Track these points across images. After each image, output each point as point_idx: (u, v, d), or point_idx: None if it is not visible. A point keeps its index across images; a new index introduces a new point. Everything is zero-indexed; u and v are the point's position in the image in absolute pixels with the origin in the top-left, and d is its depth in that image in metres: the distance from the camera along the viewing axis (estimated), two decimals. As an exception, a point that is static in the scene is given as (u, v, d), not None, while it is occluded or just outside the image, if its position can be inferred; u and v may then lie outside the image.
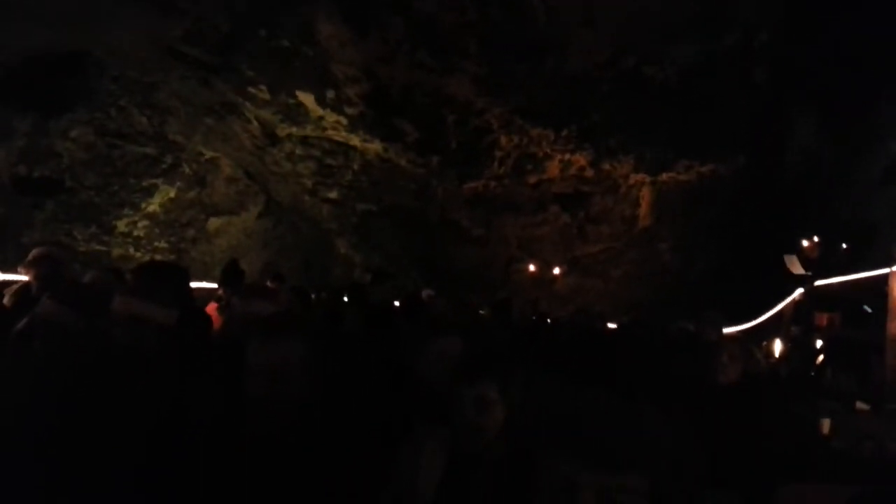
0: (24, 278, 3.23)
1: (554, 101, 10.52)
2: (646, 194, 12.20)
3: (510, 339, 4.50)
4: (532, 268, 12.92)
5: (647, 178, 11.85)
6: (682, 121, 10.57)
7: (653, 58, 10.25)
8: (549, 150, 11.32)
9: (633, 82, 10.29)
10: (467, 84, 10.28)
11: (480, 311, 5.99)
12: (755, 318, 9.04)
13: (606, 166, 11.60)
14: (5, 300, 3.14)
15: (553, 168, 11.65)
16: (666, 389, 3.31)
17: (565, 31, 9.53)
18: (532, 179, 11.85)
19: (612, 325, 6.16)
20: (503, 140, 11.15)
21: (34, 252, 3.28)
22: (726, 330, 5.06)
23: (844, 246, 8.34)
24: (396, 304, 5.49)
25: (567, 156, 11.42)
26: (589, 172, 11.74)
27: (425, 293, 5.51)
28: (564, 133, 10.99)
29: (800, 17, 9.69)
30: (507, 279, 12.88)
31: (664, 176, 11.75)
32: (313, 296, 5.20)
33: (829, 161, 11.01)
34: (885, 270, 4.68)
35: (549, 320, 6.17)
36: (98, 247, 10.79)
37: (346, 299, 5.06)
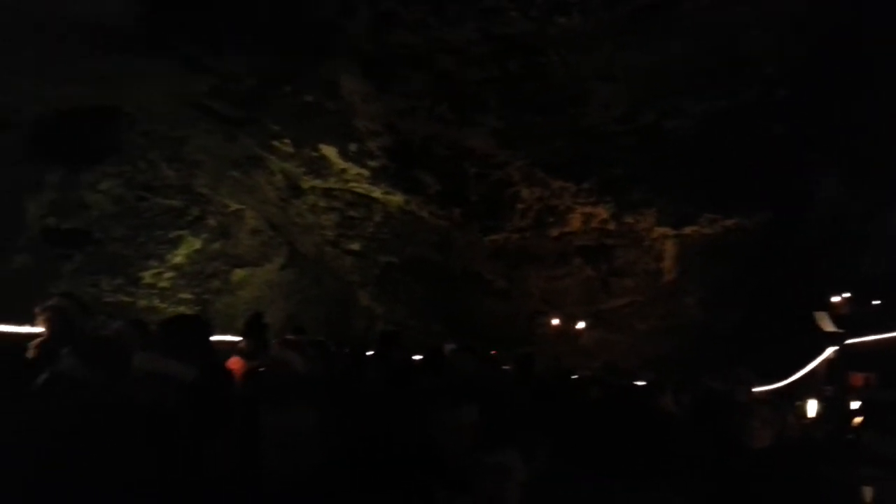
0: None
1: (574, 153, 10.57)
2: (669, 248, 12.09)
3: (534, 398, 4.39)
4: (555, 321, 12.76)
5: (671, 232, 11.75)
6: (704, 174, 10.53)
7: (672, 112, 10.29)
8: (570, 203, 11.31)
9: (653, 136, 10.32)
10: (487, 137, 10.38)
11: (504, 367, 5.89)
12: (785, 376, 8.79)
13: (629, 219, 11.54)
14: (28, 353, 3.15)
15: (575, 221, 11.62)
16: (694, 458, 3.18)
17: (584, 85, 9.63)
18: (554, 232, 11.81)
19: (639, 383, 6.00)
20: (524, 192, 11.17)
21: (43, 305, 3.29)
22: (756, 389, 4.90)
23: (875, 302, 8.13)
24: (418, 357, 5.42)
25: (589, 208, 11.40)
26: (611, 225, 11.69)
27: (447, 347, 5.42)
28: (586, 186, 10.99)
29: (820, 73, 9.71)
30: (531, 332, 12.72)
31: (688, 229, 11.65)
32: (333, 349, 5.14)
33: (855, 215, 10.87)
34: (922, 328, 4.53)
35: (573, 377, 6.03)
36: (124, 298, 10.90)
37: (368, 353, 5.01)
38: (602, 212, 11.45)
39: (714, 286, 12.30)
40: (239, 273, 12.39)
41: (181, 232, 11.37)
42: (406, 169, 10.68)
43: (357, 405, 3.27)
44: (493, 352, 7.11)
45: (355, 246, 12.43)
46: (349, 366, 4.68)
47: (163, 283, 11.40)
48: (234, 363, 4.15)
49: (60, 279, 10.17)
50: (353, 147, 10.40)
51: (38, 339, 3.23)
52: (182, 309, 10.95)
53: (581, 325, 12.79)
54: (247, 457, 1.63)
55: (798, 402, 6.33)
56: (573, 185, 11.03)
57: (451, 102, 9.78)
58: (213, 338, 3.45)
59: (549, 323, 12.78)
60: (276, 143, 10.39)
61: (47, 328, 3.21)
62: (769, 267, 11.55)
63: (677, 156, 10.38)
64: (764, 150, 10.52)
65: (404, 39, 8.62)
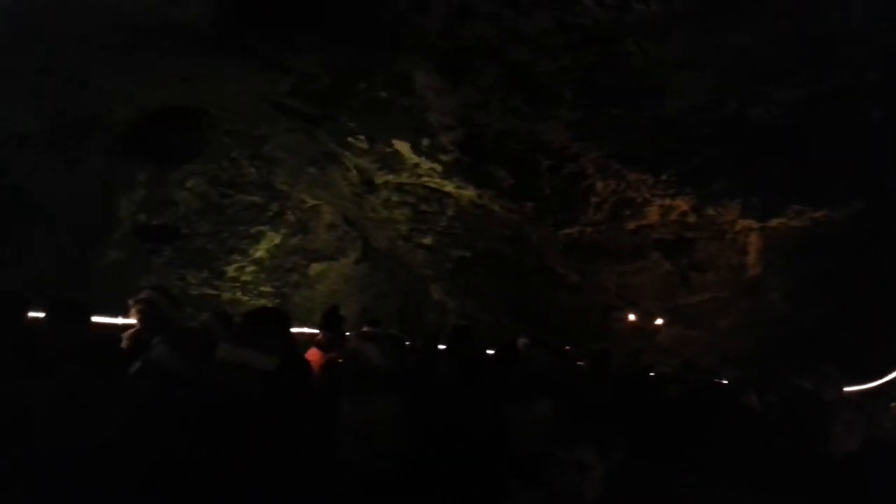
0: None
1: (652, 144, 10.25)
2: (754, 241, 11.59)
3: (610, 395, 4.30)
4: (632, 317, 12.48)
5: (755, 224, 11.25)
6: (791, 164, 10.02)
7: (756, 99, 9.81)
8: (648, 195, 10.99)
9: (736, 124, 9.88)
10: (561, 129, 10.20)
11: (578, 362, 5.81)
12: (877, 377, 8.31)
13: (710, 212, 11.12)
14: (123, 343, 3.34)
15: (653, 213, 11.29)
16: (777, 457, 3.04)
17: (663, 73, 9.31)
18: (631, 225, 11.52)
19: (722, 381, 5.79)
20: (599, 185, 10.94)
21: (136, 298, 3.50)
22: (846, 389, 4.64)
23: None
24: (490, 352, 5.42)
25: (667, 201, 11.05)
26: (692, 218, 11.29)
27: (520, 342, 5.39)
28: (664, 177, 10.65)
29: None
30: (605, 328, 12.48)
31: (774, 222, 11.12)
32: (407, 343, 5.20)
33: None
34: None
35: (651, 374, 5.88)
36: (209, 291, 11.40)
37: (441, 347, 5.04)
38: (682, 204, 11.08)
39: (800, 281, 11.75)
40: (316, 267, 12.74)
41: (262, 227, 11.79)
42: (478, 163, 10.65)
43: (430, 398, 3.30)
44: (566, 347, 7.02)
45: (427, 240, 12.51)
46: (422, 359, 4.73)
47: (245, 277, 11.85)
48: (312, 355, 4.27)
49: (151, 273, 10.72)
50: (425, 142, 10.45)
51: (132, 330, 3.43)
52: (263, 302, 11.35)
53: (659, 321, 12.46)
54: (327, 445, 1.66)
55: (893, 404, 5.96)
56: (651, 176, 10.72)
57: (524, 95, 9.66)
58: (293, 330, 3.56)
59: (624, 319, 12.51)
60: (351, 139, 10.57)
61: (139, 319, 3.40)
62: (860, 260, 10.94)
63: (762, 145, 9.92)
64: (856, 137, 9.91)
65: (478, 32, 8.57)
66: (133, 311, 3.39)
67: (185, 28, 7.55)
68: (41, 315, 3.32)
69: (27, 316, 3.33)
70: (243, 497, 1.84)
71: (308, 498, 1.63)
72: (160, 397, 2.10)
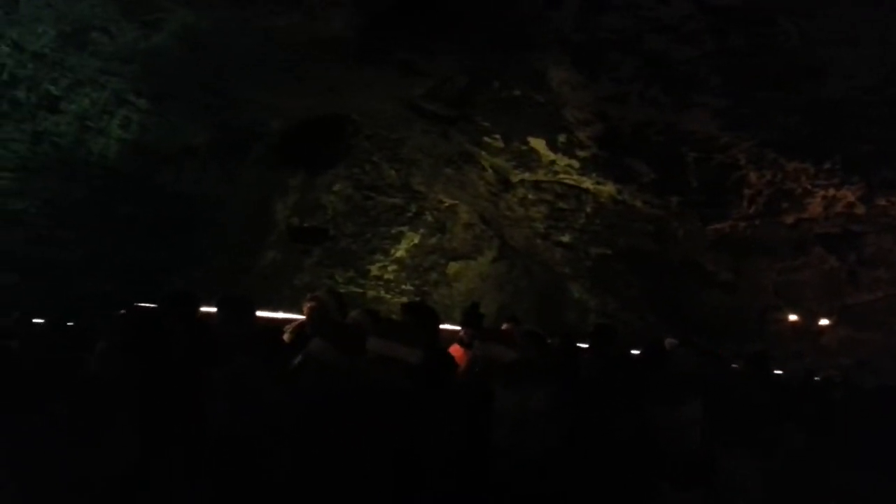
0: (300, 317, 3.70)
1: (813, 131, 9.42)
2: (934, 232, 10.34)
3: (770, 398, 4.01)
4: (792, 317, 11.55)
5: (934, 214, 10.04)
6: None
7: (936, 75, 8.74)
8: (808, 186, 10.13)
9: (910, 105, 8.86)
10: (708, 118, 9.65)
11: (732, 364, 5.48)
12: None
13: (882, 202, 10.04)
14: (285, 336, 3.60)
15: (814, 205, 10.39)
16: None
17: (824, 53, 8.53)
18: (789, 219, 10.67)
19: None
20: (753, 177, 10.22)
21: (310, 296, 3.77)
22: None
23: None
24: (635, 352, 5.23)
25: (831, 191, 10.12)
26: (860, 209, 10.26)
27: (668, 341, 5.16)
28: (827, 166, 9.76)
29: None
30: (762, 329, 11.65)
31: (956, 210, 9.87)
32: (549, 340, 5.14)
33: None
34: None
35: (816, 378, 5.42)
36: (355, 289, 11.98)
37: (581, 346, 4.94)
38: (848, 194, 10.10)
39: None
40: (454, 266, 12.99)
41: (402, 228, 12.21)
42: (618, 157, 10.34)
43: (574, 395, 3.24)
44: (718, 350, 6.64)
45: (566, 238, 12.33)
46: (563, 357, 4.66)
47: (388, 276, 12.34)
48: (455, 351, 4.35)
49: (303, 272, 11.45)
50: (561, 138, 10.31)
51: (294, 324, 3.70)
52: (405, 300, 11.73)
53: (824, 321, 11.43)
54: (473, 435, 1.69)
55: None
56: (811, 165, 9.86)
57: (665, 84, 9.26)
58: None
59: (784, 319, 11.60)
60: (486, 138, 10.66)
61: (308, 316, 3.66)
62: None
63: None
64: None
65: (613, 23, 8.33)
66: (305, 308, 3.66)
67: (329, 41, 7.97)
68: (212, 310, 3.65)
69: (199, 311, 3.68)
70: (393, 481, 1.92)
71: (459, 483, 1.67)
72: (318, 387, 2.24)
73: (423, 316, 3.17)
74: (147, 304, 4.81)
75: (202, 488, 1.94)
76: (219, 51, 7.80)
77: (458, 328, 5.21)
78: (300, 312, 3.80)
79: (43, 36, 6.98)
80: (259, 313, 3.76)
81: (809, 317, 11.50)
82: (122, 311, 4.38)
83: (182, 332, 3.03)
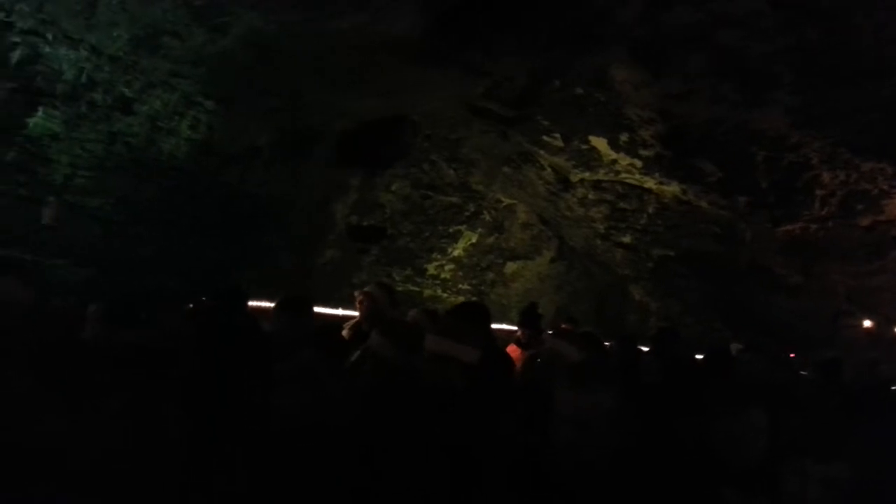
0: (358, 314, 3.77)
1: (890, 130, 8.98)
2: None
3: (841, 407, 3.85)
4: (867, 323, 11.02)
5: None
6: None
7: None
8: (885, 187, 9.64)
9: None
10: (778, 116, 9.31)
11: (801, 372, 5.28)
12: None
13: (968, 203, 9.49)
14: (344, 332, 3.66)
15: (892, 207, 9.89)
16: None
17: (903, 48, 8.11)
18: (864, 221, 10.18)
19: None
20: (825, 177, 9.81)
21: (361, 291, 3.82)
22: None
23: None
24: (699, 357, 5.09)
25: (911, 192, 9.62)
26: (942, 211, 9.73)
27: (734, 346, 5.01)
28: (906, 165, 9.28)
29: None
30: (834, 335, 11.16)
31: None
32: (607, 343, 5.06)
33: None
34: None
35: (893, 388, 5.15)
36: (412, 288, 12.07)
37: (642, 349, 4.84)
38: (928, 196, 9.58)
39: None
40: (511, 266, 12.93)
41: (459, 227, 12.22)
42: (682, 157, 10.08)
43: (635, 398, 3.18)
44: (791, 354, 6.41)
45: (626, 239, 12.11)
46: (623, 360, 4.58)
47: (444, 275, 12.37)
48: (512, 351, 4.33)
49: (361, 270, 11.59)
50: (623, 137, 10.13)
51: (353, 321, 3.76)
52: (461, 299, 11.74)
53: (904, 328, 10.87)
54: (535, 436, 1.68)
55: None
56: (889, 165, 9.39)
57: (734, 82, 8.98)
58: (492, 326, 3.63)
59: (858, 325, 11.08)
60: (546, 138, 10.57)
61: (361, 311, 3.71)
62: None
63: None
64: None
65: (680, 18, 8.13)
66: (357, 302, 3.73)
67: (393, 42, 8.05)
68: (272, 306, 3.75)
69: (248, 306, 3.80)
70: (449, 479, 1.92)
71: (515, 483, 1.66)
72: (377, 383, 2.27)
73: (476, 315, 3.17)
74: (212, 299, 4.98)
75: (266, 480, 1.99)
76: (284, 53, 7.97)
77: (514, 328, 5.19)
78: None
79: (118, 40, 7.28)
80: (318, 310, 3.83)
81: (885, 323, 10.94)
82: (191, 305, 4.54)
83: (247, 326, 3.12)
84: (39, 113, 7.35)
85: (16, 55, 6.88)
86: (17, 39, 6.80)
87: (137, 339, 2.60)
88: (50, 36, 6.92)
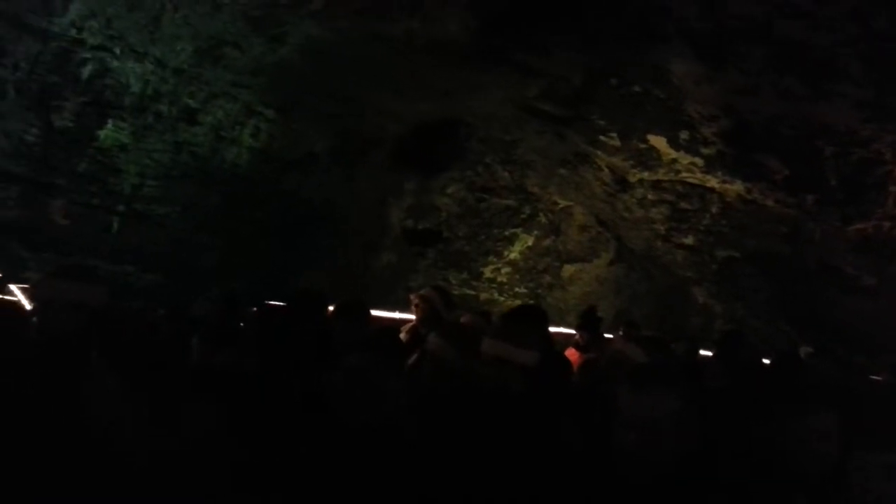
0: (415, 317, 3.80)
1: (972, 121, 8.49)
2: None
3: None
4: (947, 327, 10.44)
5: None
6: None
7: None
8: (965, 183, 9.12)
9: None
10: (848, 110, 8.90)
11: (873, 377, 5.04)
12: None
13: None
14: (401, 335, 3.69)
15: (973, 204, 9.34)
16: None
17: (984, 33, 7.64)
18: (941, 219, 9.65)
19: None
20: (899, 173, 9.34)
21: (417, 293, 3.85)
22: None
23: None
24: (766, 360, 4.92)
25: None
26: None
27: (803, 350, 4.82)
28: None
29: None
30: (911, 338, 10.61)
31: None
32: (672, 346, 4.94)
33: None
34: None
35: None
36: (468, 291, 12.06)
37: (706, 353, 4.71)
38: None
39: None
40: (569, 268, 12.76)
41: (515, 230, 12.15)
42: (746, 154, 9.74)
43: (700, 402, 3.10)
44: (859, 360, 6.12)
45: (688, 240, 11.78)
46: (687, 363, 4.47)
47: (501, 278, 12.31)
48: (571, 354, 4.28)
49: (418, 274, 11.67)
50: (684, 135, 9.87)
51: (410, 324, 3.79)
52: (518, 302, 11.67)
53: None
54: (596, 440, 1.65)
55: None
56: (970, 159, 8.88)
57: (799, 74, 8.64)
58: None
59: (936, 328, 10.50)
60: (602, 138, 10.40)
61: (417, 314, 3.75)
62: None
63: None
64: None
65: (741, 11, 7.89)
66: (413, 304, 3.77)
67: (446, 45, 8.08)
68: (330, 310, 3.80)
69: (326, 311, 3.84)
70: (508, 483, 1.91)
71: (576, 486, 1.64)
72: (436, 386, 2.27)
73: (533, 318, 3.15)
74: (276, 303, 5.08)
75: (326, 482, 2.01)
76: (340, 60, 8.11)
77: (572, 332, 5.13)
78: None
79: (182, 52, 7.56)
80: (376, 313, 3.87)
81: (969, 326, 10.32)
82: (255, 309, 4.65)
83: (310, 330, 3.17)
84: (109, 125, 7.70)
85: (86, 70, 7.22)
86: (88, 55, 7.14)
87: (232, 362, 2.56)
88: (118, 51, 7.24)
